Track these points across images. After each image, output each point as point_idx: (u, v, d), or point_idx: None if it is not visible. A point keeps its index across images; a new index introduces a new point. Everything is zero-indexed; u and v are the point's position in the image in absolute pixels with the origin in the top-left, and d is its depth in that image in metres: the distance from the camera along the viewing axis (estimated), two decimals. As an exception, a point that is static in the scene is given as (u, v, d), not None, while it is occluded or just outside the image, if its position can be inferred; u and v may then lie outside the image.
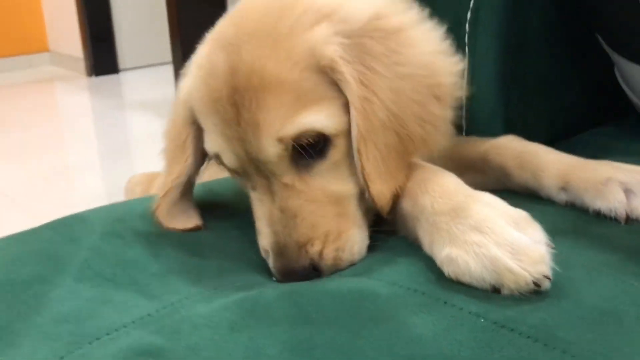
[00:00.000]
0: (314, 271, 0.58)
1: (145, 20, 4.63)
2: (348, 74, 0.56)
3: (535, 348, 0.42)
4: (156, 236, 0.62)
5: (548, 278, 0.48)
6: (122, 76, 4.58)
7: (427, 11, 0.65)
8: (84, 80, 4.54)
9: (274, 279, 0.59)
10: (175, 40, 3.11)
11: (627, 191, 0.63)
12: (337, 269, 0.58)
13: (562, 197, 0.67)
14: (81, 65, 4.65)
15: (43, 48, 5.07)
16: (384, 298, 0.48)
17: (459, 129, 0.83)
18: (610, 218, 0.63)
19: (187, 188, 0.69)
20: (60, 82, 4.61)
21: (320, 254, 0.58)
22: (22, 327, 0.47)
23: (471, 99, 0.82)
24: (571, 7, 0.88)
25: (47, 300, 0.50)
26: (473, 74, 0.80)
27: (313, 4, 0.60)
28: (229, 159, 0.61)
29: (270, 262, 0.59)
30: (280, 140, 0.57)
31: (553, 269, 0.48)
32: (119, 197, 1.92)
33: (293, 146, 0.57)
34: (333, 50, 0.57)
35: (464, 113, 0.83)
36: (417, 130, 0.59)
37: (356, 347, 0.42)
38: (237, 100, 0.57)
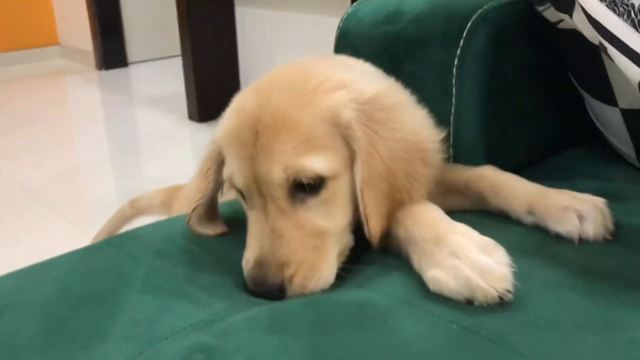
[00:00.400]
0: (280, 291, 0.68)
1: (154, 13, 4.75)
2: (359, 132, 0.71)
3: (492, 348, 0.57)
4: (196, 255, 0.77)
5: (510, 292, 0.63)
6: (132, 69, 4.72)
7: (416, 96, 0.85)
8: (94, 73, 4.68)
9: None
10: (184, 33, 3.23)
11: (581, 217, 0.77)
12: (300, 295, 0.69)
13: (529, 219, 0.81)
14: (91, 58, 4.78)
15: (53, 41, 5.20)
16: (381, 308, 0.63)
17: (447, 158, 0.98)
18: (567, 239, 0.77)
19: (214, 204, 0.85)
20: (71, 75, 4.75)
21: (291, 278, 0.68)
22: (107, 329, 0.62)
23: (457, 134, 0.96)
24: (546, 53, 1.03)
25: (121, 309, 0.65)
26: (459, 112, 0.95)
27: (333, 76, 0.75)
28: (238, 178, 0.73)
29: (246, 272, 0.71)
30: (286, 170, 0.69)
31: (515, 285, 0.63)
32: (129, 192, 2.03)
33: (294, 180, 0.70)
34: (349, 113, 0.71)
35: (451, 143, 0.97)
36: (405, 184, 0.74)
37: (359, 347, 0.57)
38: (259, 129, 0.71)
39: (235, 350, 0.58)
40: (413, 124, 0.78)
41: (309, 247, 0.70)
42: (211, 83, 3.26)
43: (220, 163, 0.79)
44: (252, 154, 0.71)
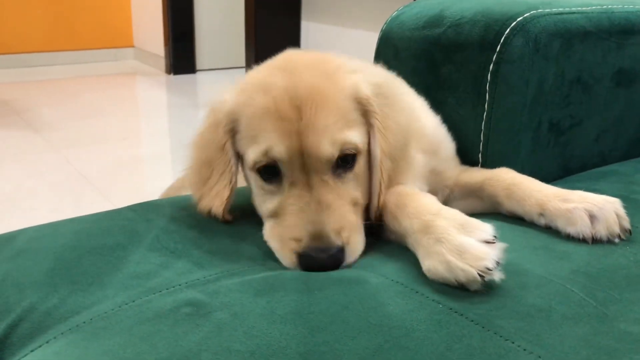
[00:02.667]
0: (340, 251, 0.71)
1: (224, 25, 4.88)
2: (377, 107, 0.77)
3: (474, 329, 0.57)
4: (209, 223, 0.80)
5: (489, 269, 0.61)
6: (199, 76, 4.86)
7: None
8: (163, 77, 4.84)
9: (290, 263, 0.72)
10: (249, 46, 3.31)
11: (592, 217, 0.75)
12: (351, 255, 0.72)
13: (541, 221, 0.80)
14: (162, 62, 4.94)
15: (128, 44, 5.42)
16: (372, 285, 0.64)
17: (474, 164, 0.98)
18: (579, 239, 0.75)
19: None
20: (141, 76, 4.92)
21: (348, 239, 0.72)
22: (108, 279, 0.66)
23: (487, 140, 0.96)
24: (591, 69, 1.00)
25: (126, 262, 0.69)
26: (490, 117, 0.94)
27: (345, 62, 0.81)
28: (281, 152, 0.73)
29: (304, 247, 0.71)
30: (333, 143, 0.73)
31: (497, 261, 0.62)
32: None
33: (339, 154, 0.74)
34: (368, 90, 0.77)
35: (480, 150, 0.97)
36: (401, 164, 0.79)
37: (342, 315, 0.58)
38: (300, 105, 0.73)
39: (221, 306, 0.59)
40: (408, 112, 0.84)
41: (351, 214, 0.75)
42: (272, 93, 3.31)
43: (233, 136, 0.79)
44: (298, 128, 0.73)
